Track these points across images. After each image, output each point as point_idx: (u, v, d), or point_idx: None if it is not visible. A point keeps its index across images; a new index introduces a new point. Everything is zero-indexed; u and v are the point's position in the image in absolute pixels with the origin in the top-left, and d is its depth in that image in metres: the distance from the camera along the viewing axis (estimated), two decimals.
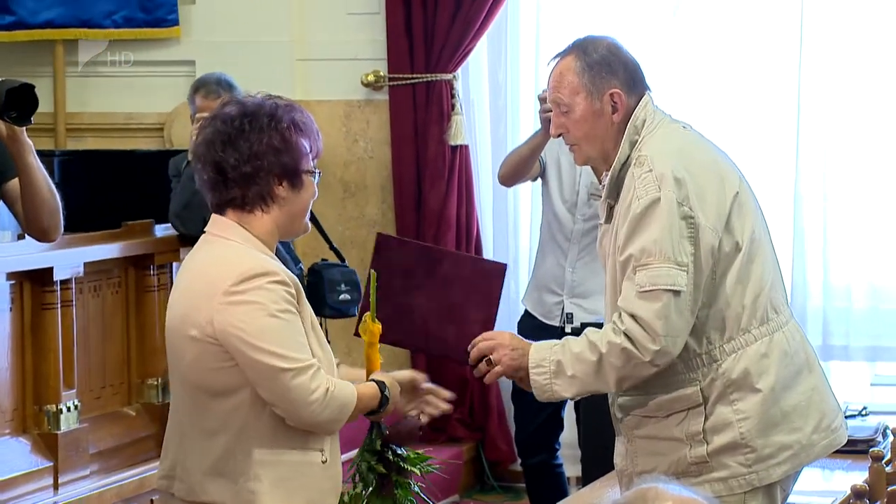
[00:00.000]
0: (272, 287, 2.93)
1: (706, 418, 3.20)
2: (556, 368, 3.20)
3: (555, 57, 3.33)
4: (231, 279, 2.93)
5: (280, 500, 2.97)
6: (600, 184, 3.36)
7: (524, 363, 3.23)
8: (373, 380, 3.11)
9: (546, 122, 5.19)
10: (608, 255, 3.28)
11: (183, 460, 3.04)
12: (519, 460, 5.79)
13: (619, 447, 3.35)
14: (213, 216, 3.09)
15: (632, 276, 3.13)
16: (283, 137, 3.03)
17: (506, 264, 3.52)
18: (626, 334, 3.12)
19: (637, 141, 3.24)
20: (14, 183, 3.83)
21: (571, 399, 3.26)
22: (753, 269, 3.21)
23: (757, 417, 3.20)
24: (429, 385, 3.27)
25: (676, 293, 3.10)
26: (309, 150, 3.09)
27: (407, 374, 3.25)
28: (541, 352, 3.22)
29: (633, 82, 3.28)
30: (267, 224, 3.04)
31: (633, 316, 3.11)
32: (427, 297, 3.35)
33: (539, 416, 5.42)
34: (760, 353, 3.21)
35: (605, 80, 3.24)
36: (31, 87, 3.66)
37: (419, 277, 3.35)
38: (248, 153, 3.00)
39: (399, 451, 3.20)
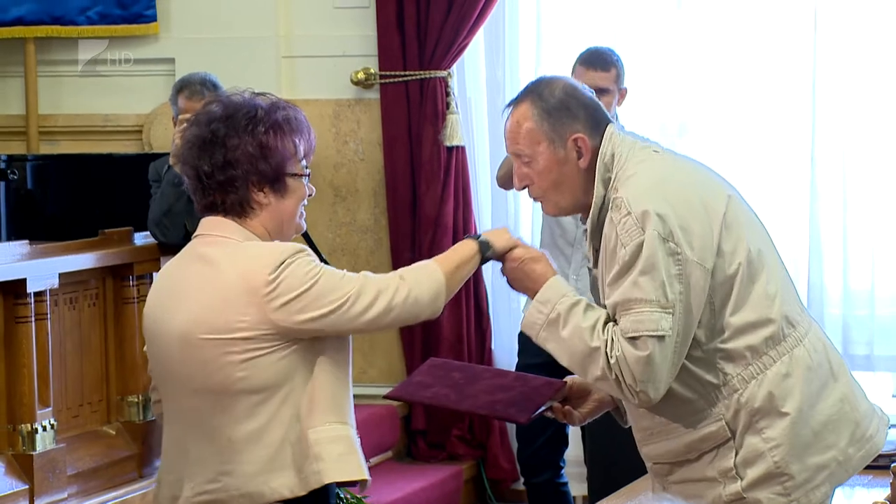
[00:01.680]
0: (297, 257, 3.13)
1: (736, 452, 3.20)
2: (554, 317, 3.19)
3: (508, 105, 3.30)
4: (265, 272, 3.09)
5: (342, 473, 3.15)
6: (583, 223, 3.35)
7: (532, 286, 3.26)
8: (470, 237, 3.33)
9: None
10: (602, 299, 3.27)
11: (233, 469, 3.13)
12: (522, 479, 5.81)
13: (654, 487, 3.37)
14: (206, 217, 3.20)
15: (617, 321, 3.15)
16: (261, 143, 3.13)
17: (564, 382, 3.45)
18: (616, 361, 3.14)
19: (611, 178, 3.21)
20: None
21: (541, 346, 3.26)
22: (755, 290, 3.20)
23: (789, 443, 3.19)
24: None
25: (660, 338, 3.10)
26: (295, 152, 3.15)
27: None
28: (553, 289, 3.22)
29: (595, 122, 3.24)
30: (257, 227, 3.18)
31: (621, 355, 3.13)
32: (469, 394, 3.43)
33: (543, 434, 5.44)
34: (782, 373, 3.20)
35: (565, 126, 3.21)
36: None
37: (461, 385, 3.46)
38: (222, 161, 3.13)
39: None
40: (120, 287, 5.24)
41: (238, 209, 3.15)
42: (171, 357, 3.18)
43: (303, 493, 3.13)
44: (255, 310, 3.08)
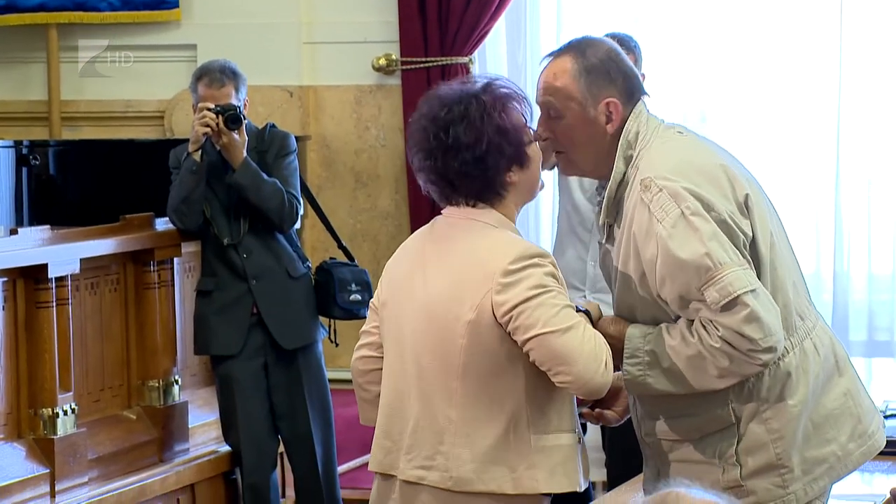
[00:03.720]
0: (543, 264, 3.12)
1: (739, 439, 3.18)
2: (650, 360, 3.15)
3: (548, 55, 3.25)
4: (508, 259, 3.10)
5: (557, 486, 3.13)
6: (597, 201, 3.33)
7: (617, 346, 3.20)
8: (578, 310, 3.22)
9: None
10: (613, 276, 3.25)
11: (448, 451, 3.14)
12: None
13: (649, 473, 3.33)
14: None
15: (700, 297, 3.07)
16: (498, 127, 3.15)
17: None
18: (724, 340, 3.07)
19: (632, 156, 3.18)
20: None
21: (663, 394, 3.20)
22: (778, 277, 3.17)
23: (791, 435, 3.18)
24: None
25: (754, 292, 3.05)
26: (525, 120, 3.20)
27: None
28: (634, 340, 3.18)
29: (631, 93, 3.21)
30: (509, 206, 3.22)
31: (725, 327, 3.07)
32: None
33: None
34: (793, 366, 3.18)
35: (602, 88, 3.17)
36: None
37: None
38: (472, 159, 3.16)
39: None
40: (141, 272, 5.26)
41: (493, 196, 3.19)
42: (416, 328, 3.22)
43: (512, 492, 3.14)
44: (487, 298, 3.10)
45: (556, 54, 3.23)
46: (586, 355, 3.07)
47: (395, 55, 6.50)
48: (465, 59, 6.35)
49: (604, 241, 3.29)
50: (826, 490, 3.25)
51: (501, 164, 3.15)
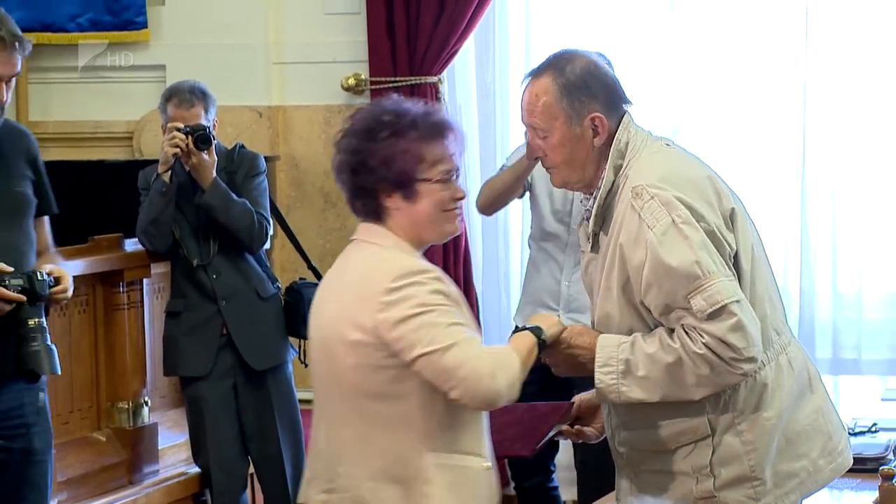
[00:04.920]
0: (426, 281, 3.07)
1: (713, 450, 3.20)
2: (624, 368, 3.16)
3: (528, 75, 3.28)
4: (390, 278, 3.07)
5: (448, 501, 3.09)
6: (584, 210, 3.34)
7: (588, 356, 3.21)
8: (524, 328, 3.20)
9: (523, 169, 5.23)
10: (596, 285, 3.27)
11: (345, 472, 3.13)
12: (512, 484, 5.80)
13: (623, 483, 3.33)
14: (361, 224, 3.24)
15: (687, 307, 3.10)
16: (383, 151, 3.13)
17: (571, 404, 3.46)
18: (707, 347, 3.10)
19: (622, 166, 3.21)
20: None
21: (640, 402, 3.21)
22: (757, 291, 3.21)
23: (765, 448, 3.20)
24: None
25: (738, 302, 3.09)
26: (423, 157, 3.13)
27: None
28: (607, 349, 3.18)
29: (614, 103, 3.24)
30: (398, 231, 3.17)
31: (710, 335, 3.09)
32: None
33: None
34: (769, 379, 3.21)
35: (584, 104, 3.20)
36: None
37: None
38: (348, 171, 3.20)
39: None
40: (110, 293, 5.24)
41: (378, 217, 3.16)
42: (315, 354, 3.23)
43: None
44: (369, 317, 3.07)
45: (536, 74, 3.26)
46: (470, 369, 3.01)
47: (365, 75, 6.49)
48: (434, 79, 6.35)
49: (589, 249, 3.30)
50: None
51: (379, 186, 3.14)
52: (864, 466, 4.04)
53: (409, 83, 6.37)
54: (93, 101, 6.78)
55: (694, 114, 6.22)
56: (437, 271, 3.11)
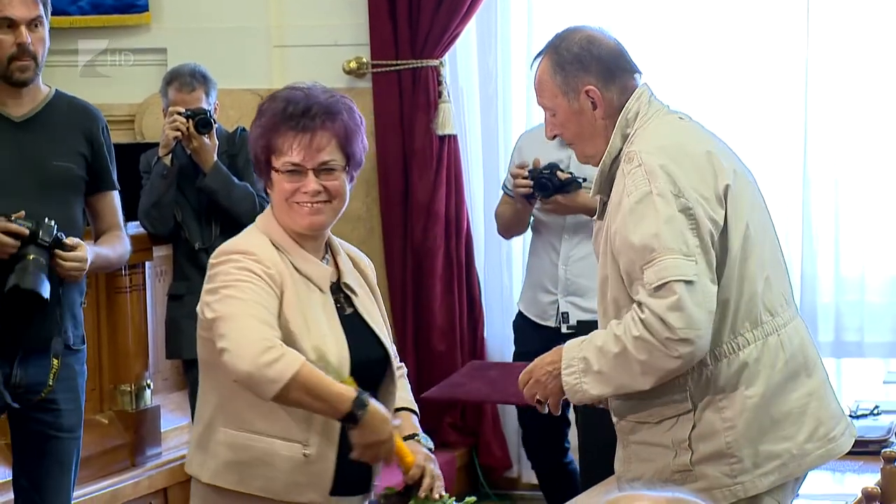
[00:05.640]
0: (240, 259, 3.09)
1: (694, 426, 3.21)
2: (584, 366, 3.20)
3: (534, 59, 3.37)
4: (213, 257, 3.17)
5: (231, 483, 3.14)
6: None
7: (559, 367, 3.24)
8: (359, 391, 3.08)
9: (522, 196, 5.32)
10: (599, 250, 3.30)
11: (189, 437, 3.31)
12: (530, 463, 5.81)
13: (618, 452, 3.37)
14: None
15: (640, 277, 3.13)
16: (253, 135, 3.21)
17: None
18: (644, 326, 3.11)
19: (629, 134, 3.25)
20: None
21: (600, 398, 3.25)
22: (747, 269, 3.21)
23: (744, 426, 3.20)
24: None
25: (688, 283, 3.09)
26: (269, 147, 3.17)
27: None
28: (570, 351, 3.23)
29: (610, 74, 3.28)
30: (283, 218, 3.21)
31: (650, 311, 3.11)
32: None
33: (545, 416, 5.45)
34: (752, 357, 3.21)
35: (578, 78, 3.26)
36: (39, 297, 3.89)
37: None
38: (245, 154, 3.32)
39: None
40: (112, 276, 5.23)
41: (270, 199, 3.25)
42: None
43: (205, 480, 3.20)
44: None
45: (538, 55, 3.35)
46: (232, 342, 3.00)
47: (366, 58, 6.48)
48: (435, 62, 6.34)
49: (596, 216, 3.34)
50: (785, 486, 3.25)
51: (256, 171, 3.25)
52: (865, 449, 4.02)
53: (410, 66, 6.36)
54: (94, 85, 6.76)
55: (695, 100, 6.18)
56: (261, 254, 3.10)
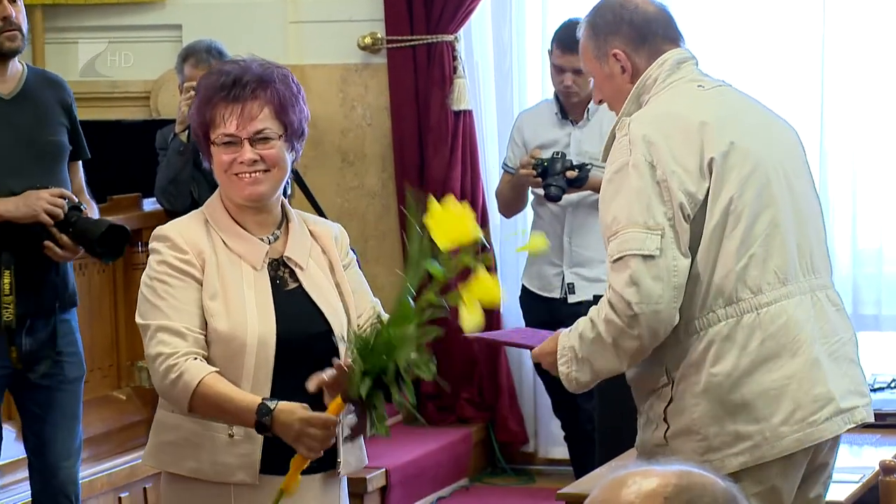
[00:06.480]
0: (160, 250, 3.12)
1: (671, 400, 3.19)
2: (572, 355, 3.21)
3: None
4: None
5: (164, 463, 3.17)
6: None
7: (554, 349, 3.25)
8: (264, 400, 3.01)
9: (521, 185, 5.46)
10: None
11: None
12: (531, 442, 5.83)
13: (638, 420, 3.37)
14: None
15: (606, 247, 3.15)
16: (194, 111, 3.18)
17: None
18: (611, 306, 3.12)
19: (644, 102, 3.25)
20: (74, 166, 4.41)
21: (589, 384, 3.25)
22: (725, 244, 3.15)
23: (709, 404, 3.15)
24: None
25: (647, 258, 3.07)
26: (199, 117, 3.15)
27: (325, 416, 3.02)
28: (563, 340, 3.24)
29: (641, 38, 3.26)
30: (228, 195, 3.21)
31: (612, 290, 3.11)
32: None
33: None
34: (722, 335, 3.15)
35: (606, 42, 3.27)
36: (126, 230, 4.26)
37: None
38: None
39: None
40: (129, 253, 5.23)
41: None
42: None
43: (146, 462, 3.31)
44: None
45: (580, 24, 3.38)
46: (149, 364, 3.08)
47: (381, 34, 6.46)
48: (450, 38, 6.32)
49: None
50: (747, 467, 3.16)
51: (199, 149, 3.23)
52: (883, 422, 4.00)
53: (425, 42, 6.34)
54: (110, 62, 6.76)
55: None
56: (179, 239, 3.11)
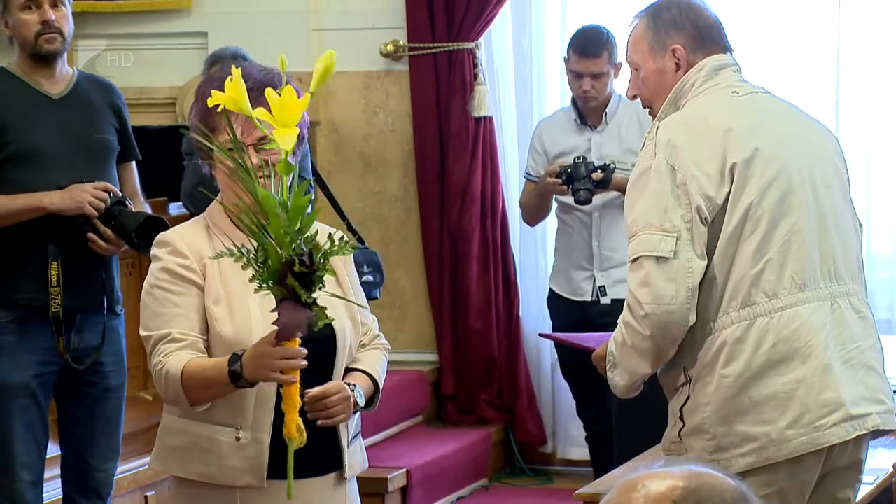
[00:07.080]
0: (161, 257, 3.13)
1: (688, 398, 3.24)
2: (611, 359, 3.28)
3: (633, 19, 3.41)
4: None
5: (171, 467, 3.18)
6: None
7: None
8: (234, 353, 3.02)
9: (546, 193, 5.49)
10: None
11: None
12: (549, 443, 5.87)
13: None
14: None
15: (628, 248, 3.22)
16: (195, 115, 3.20)
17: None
18: (629, 309, 3.18)
19: (682, 105, 3.28)
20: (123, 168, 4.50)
21: (628, 388, 3.31)
22: (742, 249, 3.18)
23: (718, 404, 3.19)
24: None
25: (660, 259, 3.12)
26: (203, 124, 3.16)
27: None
28: (608, 346, 3.31)
29: (700, 41, 3.31)
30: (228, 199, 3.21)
31: (630, 292, 3.18)
32: None
33: (600, 388, 5.51)
34: (735, 337, 3.18)
35: (668, 37, 3.30)
36: (164, 222, 4.21)
37: None
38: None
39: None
40: None
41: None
42: None
43: (154, 467, 3.33)
44: None
45: (638, 16, 3.39)
46: (155, 368, 3.09)
47: (403, 41, 6.52)
48: (471, 45, 6.38)
49: None
50: (754, 468, 3.19)
51: (198, 155, 3.24)
52: None
53: (446, 49, 6.40)
54: (137, 68, 6.82)
55: None
56: (180, 244, 3.11)
